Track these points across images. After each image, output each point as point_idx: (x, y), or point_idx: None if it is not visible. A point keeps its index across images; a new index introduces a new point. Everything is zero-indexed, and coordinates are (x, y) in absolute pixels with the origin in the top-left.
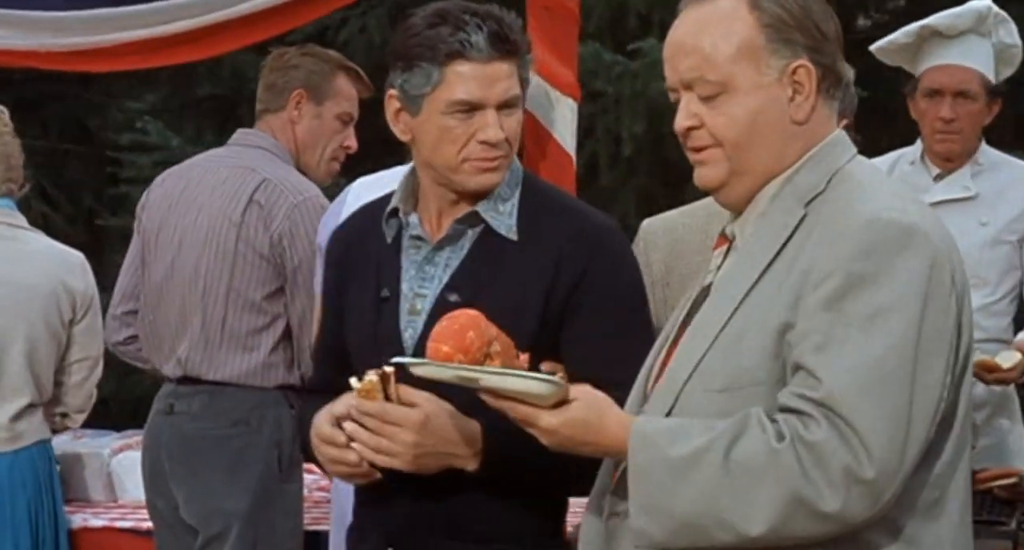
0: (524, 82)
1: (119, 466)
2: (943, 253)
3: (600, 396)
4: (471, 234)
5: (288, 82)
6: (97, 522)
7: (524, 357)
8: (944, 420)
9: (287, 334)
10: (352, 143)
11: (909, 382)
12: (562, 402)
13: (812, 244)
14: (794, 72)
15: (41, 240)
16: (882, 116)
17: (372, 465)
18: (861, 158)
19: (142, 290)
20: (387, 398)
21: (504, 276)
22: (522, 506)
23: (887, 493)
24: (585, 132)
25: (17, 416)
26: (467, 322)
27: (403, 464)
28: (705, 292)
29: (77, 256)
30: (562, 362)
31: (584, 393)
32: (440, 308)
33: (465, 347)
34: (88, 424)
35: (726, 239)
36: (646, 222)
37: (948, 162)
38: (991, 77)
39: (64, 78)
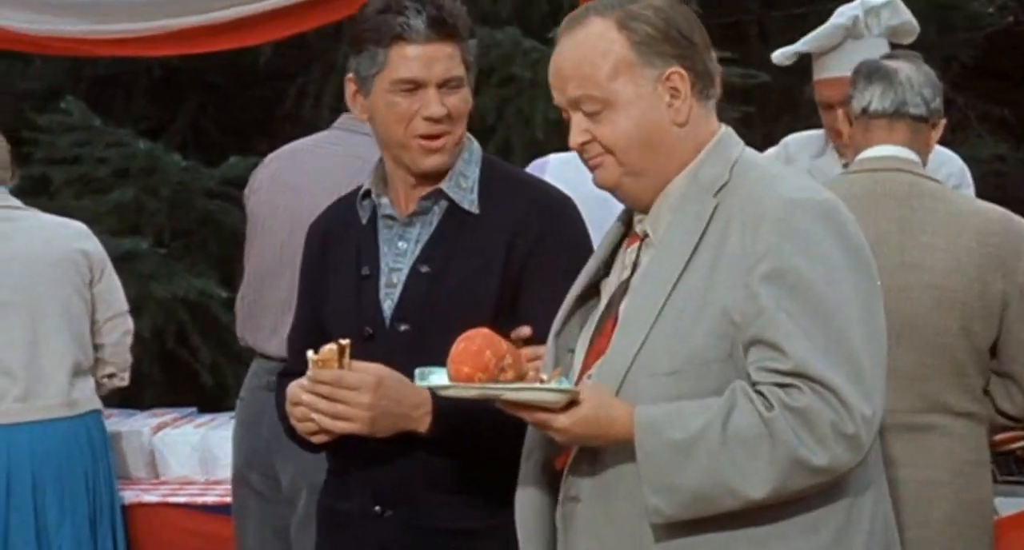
0: (468, 64)
1: (161, 444)
2: (853, 221)
3: (605, 392)
4: (438, 210)
5: None
6: (150, 498)
7: (526, 352)
8: None
9: None
10: None
11: (863, 337)
12: (572, 403)
13: (736, 229)
14: (668, 79)
15: (42, 216)
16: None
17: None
18: (749, 149)
19: (247, 269)
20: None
21: (468, 247)
22: (494, 463)
23: (868, 441)
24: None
25: (70, 381)
26: (483, 343)
27: (361, 426)
28: (624, 287)
29: (79, 223)
30: (522, 323)
31: (591, 392)
32: (413, 279)
33: (483, 365)
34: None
35: (638, 237)
36: None
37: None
38: None
39: None
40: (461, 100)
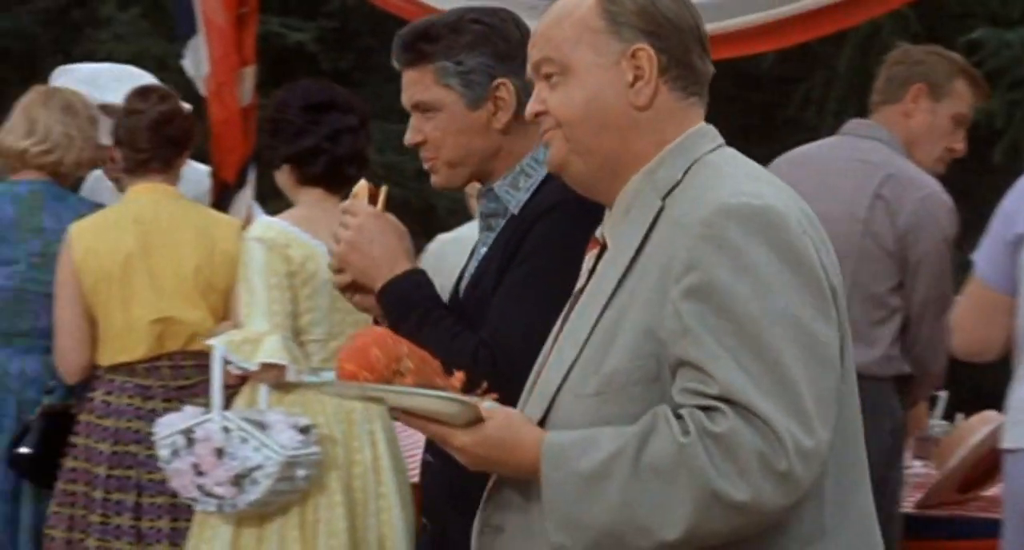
0: (446, 86)
1: None
2: (801, 230)
3: (515, 414)
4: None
5: (911, 76)
6: None
7: (459, 375)
8: None
9: (905, 327)
10: (960, 146)
11: (800, 360)
12: (477, 420)
13: (667, 237)
14: (633, 55)
15: None
16: None
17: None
18: (728, 150)
19: None
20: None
21: (498, 255)
22: None
23: (805, 479)
24: (1006, 118)
25: None
26: (372, 340)
27: (338, 253)
28: (578, 297)
29: None
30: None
31: (499, 412)
32: (470, 283)
33: (370, 365)
34: None
35: (598, 243)
36: None
37: None
38: None
39: None
40: (436, 127)
